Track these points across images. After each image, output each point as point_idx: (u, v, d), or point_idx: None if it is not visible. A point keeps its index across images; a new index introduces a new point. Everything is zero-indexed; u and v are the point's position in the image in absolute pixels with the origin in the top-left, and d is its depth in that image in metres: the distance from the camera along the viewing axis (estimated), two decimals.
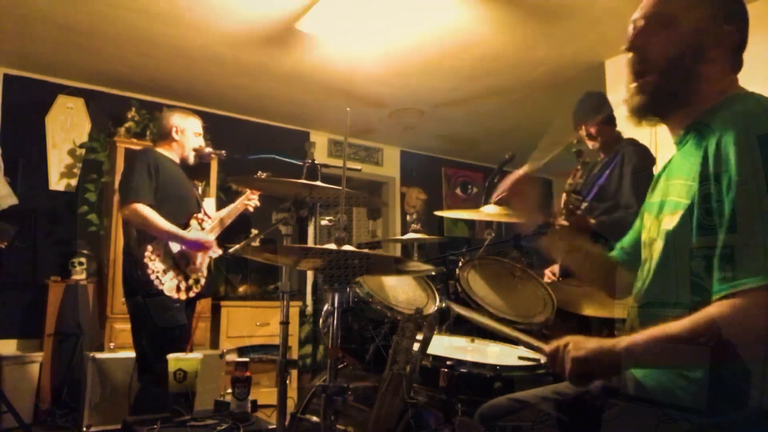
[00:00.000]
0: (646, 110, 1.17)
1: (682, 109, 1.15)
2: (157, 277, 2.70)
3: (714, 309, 0.95)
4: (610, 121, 2.76)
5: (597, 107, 2.74)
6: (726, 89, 1.14)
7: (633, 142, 2.71)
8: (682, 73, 1.13)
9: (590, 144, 2.79)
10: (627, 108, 1.20)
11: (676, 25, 1.13)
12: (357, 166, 5.40)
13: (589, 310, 2.13)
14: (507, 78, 4.40)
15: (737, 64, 1.16)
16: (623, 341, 1.02)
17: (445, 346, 1.80)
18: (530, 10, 3.40)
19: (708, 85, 1.13)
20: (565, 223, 1.71)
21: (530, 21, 3.54)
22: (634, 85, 1.17)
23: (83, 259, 4.14)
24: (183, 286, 2.79)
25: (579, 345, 1.05)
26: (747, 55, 1.17)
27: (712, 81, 1.13)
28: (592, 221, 2.48)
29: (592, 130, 2.73)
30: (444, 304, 2.03)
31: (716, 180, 0.99)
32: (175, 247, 2.78)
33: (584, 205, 2.50)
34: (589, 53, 3.93)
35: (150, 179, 2.78)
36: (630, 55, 1.18)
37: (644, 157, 2.62)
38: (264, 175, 2.61)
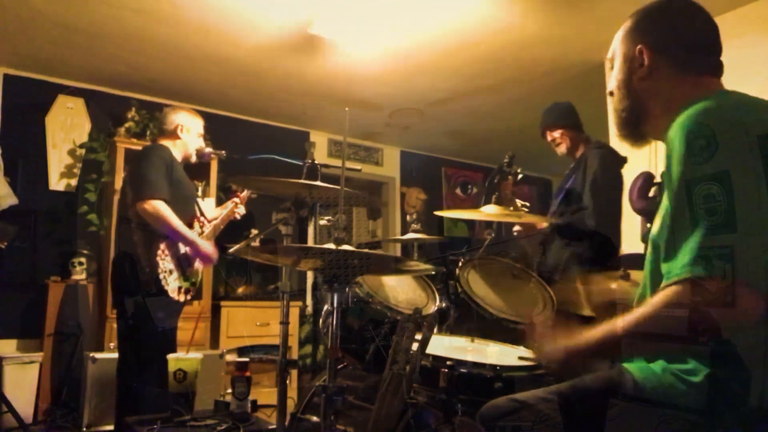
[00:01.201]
0: (625, 136, 1.29)
1: (653, 126, 1.23)
2: (164, 278, 2.67)
3: (658, 296, 1.04)
4: (574, 126, 2.88)
5: (559, 115, 2.90)
6: (689, 95, 1.13)
7: (599, 145, 2.81)
8: (630, 98, 1.24)
9: (557, 150, 2.93)
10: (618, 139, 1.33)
11: (616, 59, 1.27)
12: (357, 166, 5.40)
13: (590, 311, 2.13)
14: (507, 78, 4.41)
15: (701, 68, 1.18)
16: (583, 337, 1.13)
17: (445, 346, 1.80)
18: (530, 9, 3.41)
19: (663, 99, 1.19)
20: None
21: (530, 21, 3.54)
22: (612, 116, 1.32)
23: (83, 259, 4.14)
24: (183, 288, 2.79)
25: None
26: (747, 56, 1.17)
27: (664, 94, 1.19)
28: (552, 221, 2.67)
29: (556, 136, 2.88)
30: (444, 304, 2.03)
31: (665, 180, 1.07)
32: (181, 248, 2.77)
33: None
34: (589, 53, 3.93)
35: (167, 175, 2.72)
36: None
37: (607, 160, 2.70)
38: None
